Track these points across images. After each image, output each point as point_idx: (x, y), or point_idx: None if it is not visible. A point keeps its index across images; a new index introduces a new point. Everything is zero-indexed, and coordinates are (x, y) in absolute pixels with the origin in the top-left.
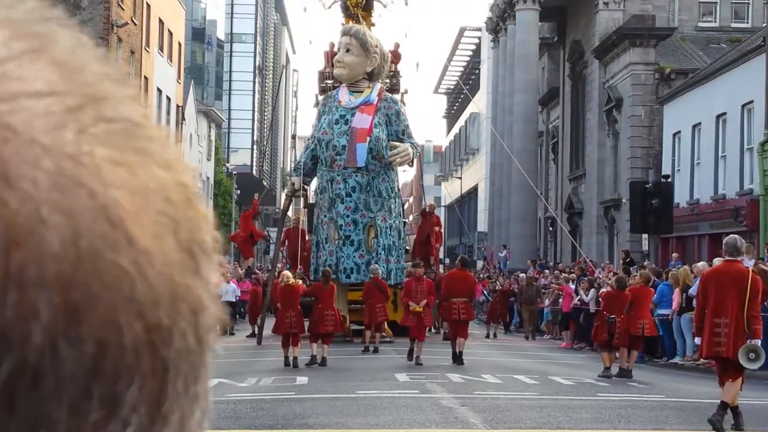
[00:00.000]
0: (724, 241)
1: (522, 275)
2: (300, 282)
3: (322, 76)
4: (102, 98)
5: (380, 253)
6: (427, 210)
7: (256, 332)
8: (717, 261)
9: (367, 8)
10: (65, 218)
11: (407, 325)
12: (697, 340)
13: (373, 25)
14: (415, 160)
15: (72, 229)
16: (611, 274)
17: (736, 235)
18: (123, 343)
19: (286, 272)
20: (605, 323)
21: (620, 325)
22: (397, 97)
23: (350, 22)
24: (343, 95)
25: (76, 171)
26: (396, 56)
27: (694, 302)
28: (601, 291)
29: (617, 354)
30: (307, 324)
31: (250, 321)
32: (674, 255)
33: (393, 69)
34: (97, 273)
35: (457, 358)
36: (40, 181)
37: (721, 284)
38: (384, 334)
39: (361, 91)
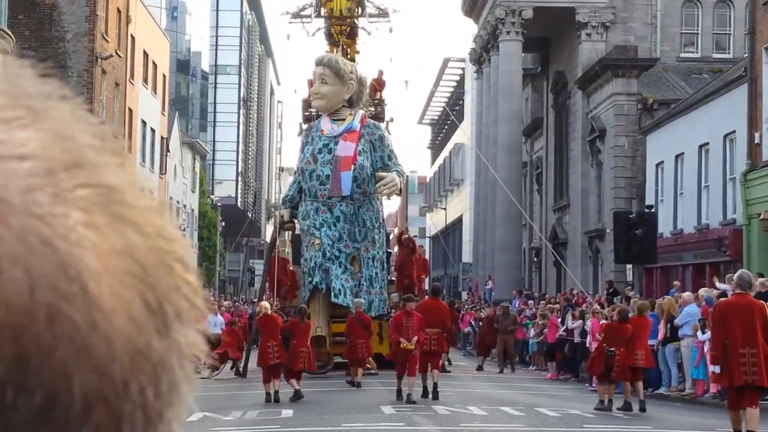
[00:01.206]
0: (737, 275)
1: (510, 307)
2: (279, 319)
3: (306, 104)
4: (85, 165)
5: (362, 284)
6: (402, 239)
7: (236, 366)
8: (703, 291)
9: (352, 36)
10: (24, 272)
11: (395, 361)
12: (715, 368)
13: (357, 52)
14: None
15: (29, 282)
16: (597, 305)
17: (747, 270)
18: (73, 394)
19: (264, 303)
20: (602, 355)
21: (620, 358)
22: (382, 125)
23: (334, 50)
24: (325, 124)
25: (43, 230)
26: (380, 84)
27: (682, 332)
28: (601, 322)
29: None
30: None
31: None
32: (676, 283)
33: (378, 97)
34: (50, 325)
35: (433, 392)
36: (3, 236)
37: (740, 316)
38: (369, 366)
39: (343, 119)
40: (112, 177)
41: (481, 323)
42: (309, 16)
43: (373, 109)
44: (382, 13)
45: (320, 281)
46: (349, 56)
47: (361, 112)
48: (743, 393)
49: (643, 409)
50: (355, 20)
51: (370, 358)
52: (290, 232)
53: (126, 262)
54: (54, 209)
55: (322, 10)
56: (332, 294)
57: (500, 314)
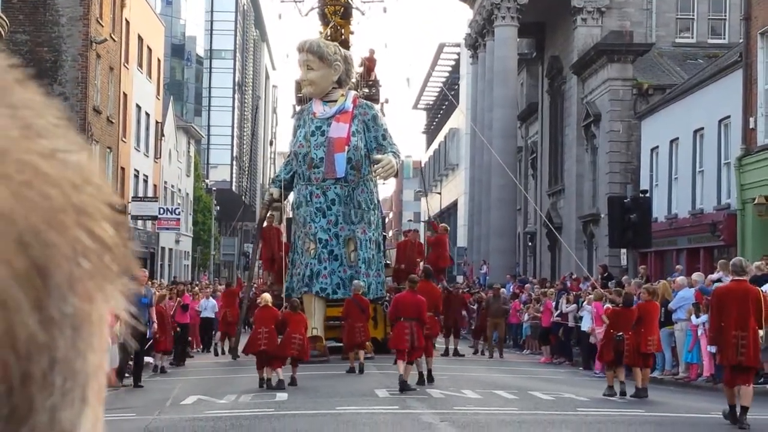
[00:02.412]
0: (732, 262)
1: (503, 290)
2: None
3: (299, 85)
4: None
5: (360, 267)
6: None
7: (225, 349)
8: (696, 276)
9: (346, 16)
10: None
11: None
12: (712, 349)
13: (351, 33)
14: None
15: None
16: (591, 288)
17: (741, 257)
18: None
19: (266, 295)
20: (611, 341)
21: (629, 343)
22: (377, 106)
23: (327, 29)
24: (317, 106)
25: None
26: (371, 62)
27: (676, 316)
28: (605, 306)
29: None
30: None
31: (221, 338)
32: (678, 267)
33: (371, 77)
34: None
35: (428, 377)
36: None
37: (736, 301)
38: (365, 350)
39: (335, 100)
40: None
41: (477, 307)
42: None
43: (366, 90)
44: None
45: (320, 290)
46: (343, 37)
47: (353, 93)
48: (737, 372)
49: (642, 396)
50: (349, 0)
51: (368, 342)
52: (281, 213)
53: None
54: None
55: None
56: (331, 292)
57: (491, 297)
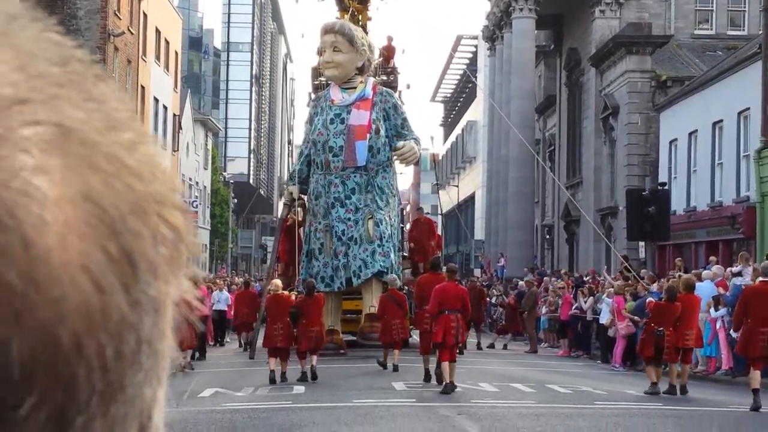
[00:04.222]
0: (762, 265)
1: (521, 282)
2: (292, 294)
3: (316, 72)
4: (37, 100)
5: (384, 245)
6: (419, 217)
7: (245, 346)
8: (716, 269)
9: (363, 2)
10: None
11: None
12: (734, 334)
13: (369, 19)
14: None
15: None
16: (618, 282)
17: None
18: (10, 361)
19: (276, 281)
20: (652, 337)
21: (669, 339)
22: (395, 93)
23: (345, 15)
24: (335, 93)
25: None
26: (390, 50)
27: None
28: (648, 300)
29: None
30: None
31: (237, 333)
32: (712, 258)
33: (390, 65)
34: None
35: (436, 375)
36: None
37: (764, 301)
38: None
39: (354, 87)
40: (71, 112)
41: (502, 308)
42: None
43: (385, 77)
44: None
45: (342, 284)
46: (360, 23)
47: (372, 80)
48: (758, 361)
49: (684, 392)
50: None
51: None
52: (303, 209)
53: (84, 209)
54: None
55: None
56: (356, 278)
57: (526, 291)
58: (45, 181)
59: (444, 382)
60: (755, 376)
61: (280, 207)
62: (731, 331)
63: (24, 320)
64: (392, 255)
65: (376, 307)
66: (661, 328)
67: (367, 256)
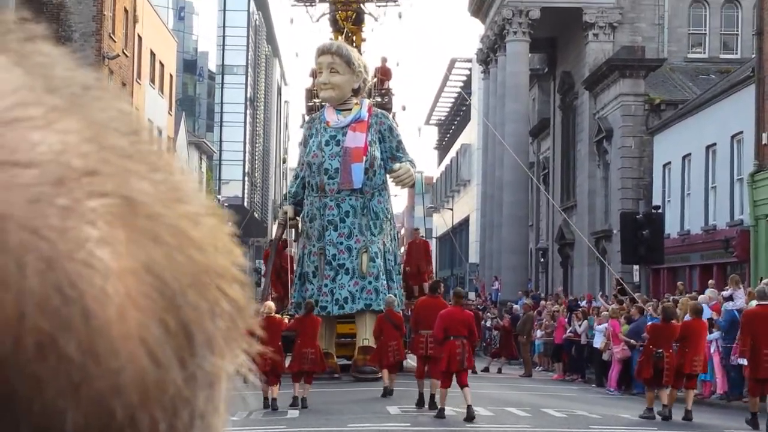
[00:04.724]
0: (758, 289)
1: (515, 306)
2: (285, 318)
3: (310, 94)
4: (105, 172)
5: (380, 278)
6: (415, 238)
7: None
8: (710, 292)
9: (357, 22)
10: (15, 295)
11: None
12: (743, 361)
13: (363, 40)
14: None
15: (19, 306)
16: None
17: (764, 285)
18: (64, 430)
19: (269, 303)
20: (650, 359)
21: (669, 361)
22: (390, 115)
23: (338, 37)
24: (330, 115)
25: (44, 247)
26: (385, 72)
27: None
28: (648, 323)
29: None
30: (288, 360)
31: None
32: (711, 282)
33: (384, 86)
34: (40, 356)
35: (430, 402)
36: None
37: (763, 322)
38: (374, 368)
39: (349, 109)
40: (138, 184)
41: (497, 330)
42: (313, 0)
43: (379, 99)
44: None
45: (330, 307)
46: (354, 44)
47: (367, 101)
48: (764, 384)
49: (689, 418)
50: (362, 5)
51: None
52: (295, 230)
53: (145, 282)
54: (61, 223)
55: None
56: (337, 307)
57: (523, 315)
58: (108, 253)
59: (439, 407)
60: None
61: (274, 229)
62: (739, 359)
63: (81, 391)
64: (393, 288)
65: (370, 341)
66: (660, 350)
67: (356, 290)
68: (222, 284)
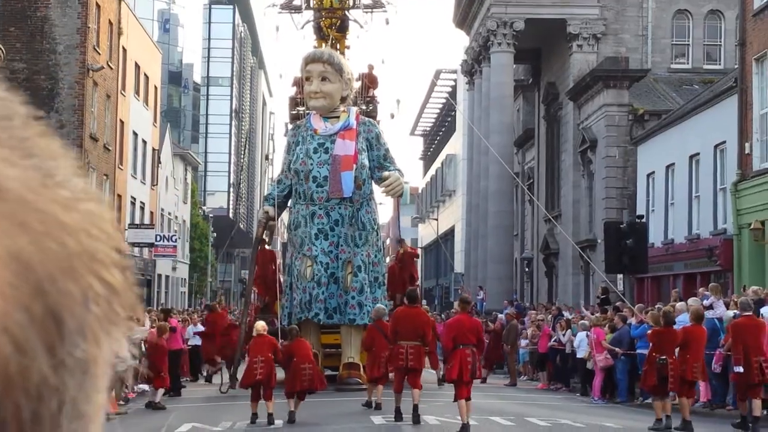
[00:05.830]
0: (740, 300)
1: (501, 315)
2: (278, 343)
3: (293, 102)
4: None
5: (364, 292)
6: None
7: (215, 376)
8: (692, 301)
9: (342, 29)
10: None
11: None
12: (739, 368)
13: (347, 48)
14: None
15: None
16: (595, 315)
17: (745, 297)
18: None
19: (260, 323)
20: (654, 366)
21: (673, 367)
22: (377, 123)
23: (323, 44)
24: (317, 123)
25: None
26: (371, 80)
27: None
28: (649, 331)
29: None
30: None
31: (209, 362)
32: (702, 290)
33: (370, 94)
34: None
35: (413, 416)
36: None
37: (751, 333)
38: (359, 380)
39: (337, 117)
40: (6, 170)
41: (488, 333)
42: (299, 7)
43: (365, 106)
44: (378, 3)
45: (314, 316)
46: (339, 51)
47: (354, 109)
48: (754, 388)
49: (688, 429)
50: (347, 12)
51: (361, 370)
52: (271, 234)
53: (9, 268)
54: None
55: (312, 1)
56: (326, 315)
57: (507, 324)
58: None
59: (462, 423)
60: (756, 405)
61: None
62: (736, 367)
63: None
64: (379, 300)
65: (355, 358)
66: (664, 357)
67: (341, 303)
68: (98, 269)
